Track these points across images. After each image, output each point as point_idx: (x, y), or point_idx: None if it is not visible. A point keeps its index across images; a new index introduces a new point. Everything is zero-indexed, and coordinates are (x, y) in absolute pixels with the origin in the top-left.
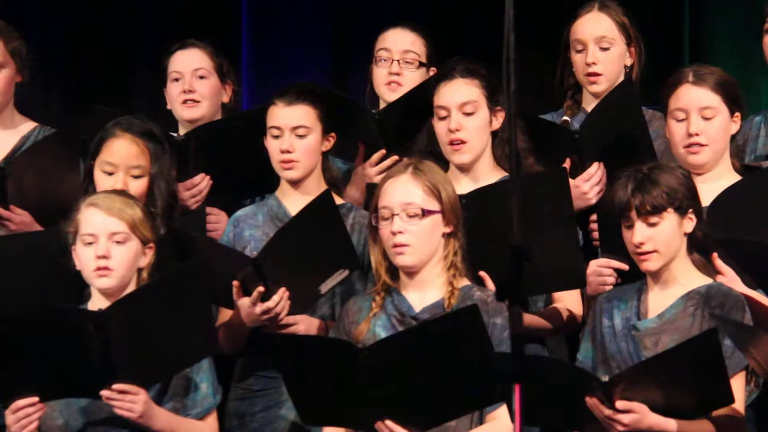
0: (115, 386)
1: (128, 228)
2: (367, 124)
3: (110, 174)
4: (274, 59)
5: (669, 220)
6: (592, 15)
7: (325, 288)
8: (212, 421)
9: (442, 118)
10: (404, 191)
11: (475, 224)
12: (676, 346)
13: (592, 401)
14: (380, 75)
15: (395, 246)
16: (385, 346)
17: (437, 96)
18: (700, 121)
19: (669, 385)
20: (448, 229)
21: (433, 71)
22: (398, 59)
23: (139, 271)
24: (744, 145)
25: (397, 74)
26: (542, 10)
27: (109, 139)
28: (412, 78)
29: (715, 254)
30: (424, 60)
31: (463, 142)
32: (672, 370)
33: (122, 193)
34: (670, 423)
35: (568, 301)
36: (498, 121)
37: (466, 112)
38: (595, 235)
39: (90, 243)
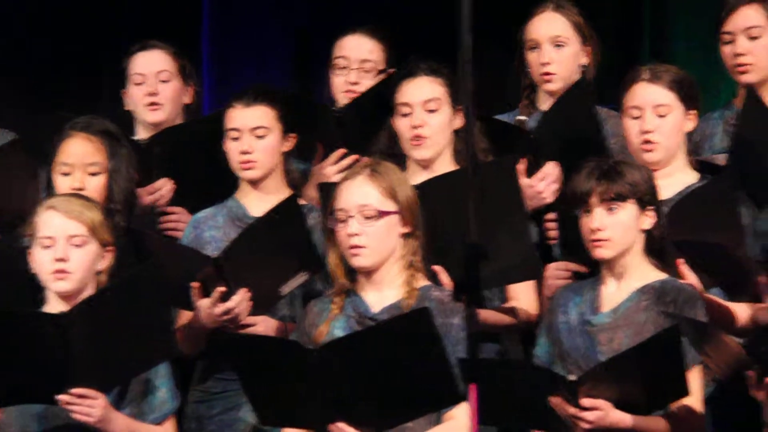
0: (74, 390)
1: (87, 231)
2: (327, 123)
3: (67, 174)
4: (235, 60)
5: (628, 210)
6: (546, 14)
7: (286, 289)
8: (170, 426)
9: (405, 115)
10: (360, 193)
11: (427, 214)
12: (639, 344)
13: (556, 400)
14: (338, 83)
15: (351, 247)
16: (336, 347)
17: (400, 93)
18: (655, 118)
19: (630, 381)
20: (405, 230)
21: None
22: (356, 68)
23: (98, 274)
24: (702, 142)
25: (356, 83)
26: (499, 11)
27: (64, 141)
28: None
29: (681, 260)
30: (382, 67)
31: (425, 138)
32: (635, 367)
33: (81, 195)
34: (627, 418)
35: (524, 299)
36: (460, 119)
37: (429, 109)
38: (551, 234)
39: (48, 246)
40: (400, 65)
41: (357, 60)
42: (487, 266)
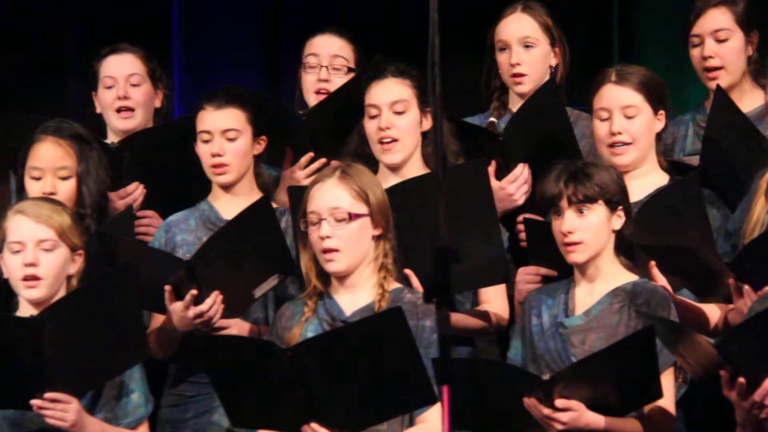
0: (47, 395)
1: (56, 235)
2: (295, 127)
3: (38, 179)
4: (205, 62)
5: (598, 212)
6: (515, 16)
7: (259, 292)
8: (144, 430)
9: (373, 117)
10: (331, 196)
11: (399, 218)
12: (614, 344)
13: (530, 401)
14: (309, 82)
15: (324, 251)
16: (309, 347)
17: (368, 95)
18: (623, 119)
19: (604, 382)
20: (377, 232)
21: None
22: (327, 65)
23: (69, 278)
24: (672, 144)
25: (326, 80)
26: (469, 12)
27: (35, 145)
28: (341, 84)
29: (652, 263)
30: (352, 65)
31: (393, 141)
32: (609, 368)
33: (50, 199)
34: (600, 419)
35: (495, 302)
36: (428, 122)
37: (396, 111)
38: (523, 236)
39: (17, 251)
40: (366, 66)
41: (327, 57)
42: (458, 269)
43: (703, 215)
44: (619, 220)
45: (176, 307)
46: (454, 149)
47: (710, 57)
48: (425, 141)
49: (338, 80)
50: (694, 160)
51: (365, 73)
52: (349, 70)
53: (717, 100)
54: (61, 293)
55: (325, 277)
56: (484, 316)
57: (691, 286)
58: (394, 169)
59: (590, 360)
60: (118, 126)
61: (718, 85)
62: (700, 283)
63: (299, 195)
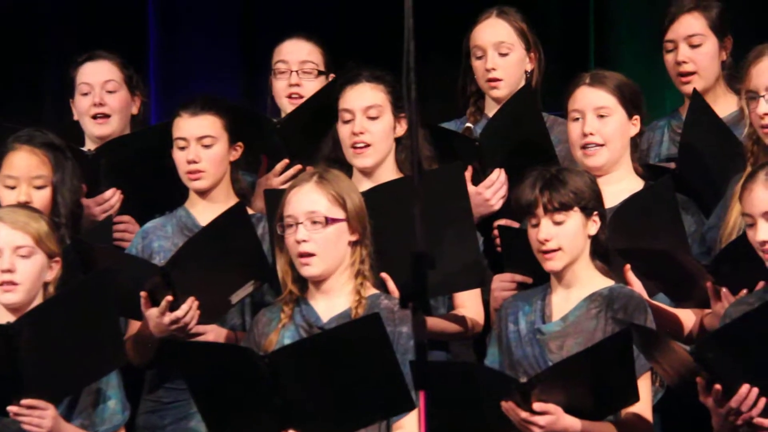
0: (24, 401)
1: (33, 241)
2: (269, 135)
3: (12, 188)
4: (181, 70)
5: (574, 219)
6: (490, 21)
7: (235, 298)
8: None
9: (347, 122)
10: (308, 200)
11: (374, 222)
12: (591, 347)
13: (508, 405)
14: (280, 87)
15: (300, 255)
16: (286, 353)
17: (342, 99)
18: (595, 120)
19: (581, 386)
20: (354, 237)
21: (332, 77)
22: (296, 70)
23: (45, 285)
24: (648, 150)
25: (297, 85)
26: (444, 18)
27: (9, 154)
28: (312, 87)
29: (627, 266)
30: (322, 68)
31: (367, 145)
32: (586, 371)
33: (27, 206)
34: (577, 423)
35: (470, 307)
36: (402, 127)
37: (370, 116)
38: (499, 241)
39: None
40: (340, 71)
41: (296, 62)
42: (434, 274)
43: (677, 219)
44: (594, 226)
45: (152, 313)
46: (427, 155)
47: (684, 62)
48: (399, 147)
49: (309, 84)
50: (671, 165)
51: (339, 79)
52: (319, 73)
53: (694, 104)
54: (38, 300)
55: (301, 282)
56: (460, 320)
57: (667, 291)
58: (367, 173)
59: (568, 363)
60: (94, 132)
61: (694, 90)
62: (676, 287)
63: (276, 199)
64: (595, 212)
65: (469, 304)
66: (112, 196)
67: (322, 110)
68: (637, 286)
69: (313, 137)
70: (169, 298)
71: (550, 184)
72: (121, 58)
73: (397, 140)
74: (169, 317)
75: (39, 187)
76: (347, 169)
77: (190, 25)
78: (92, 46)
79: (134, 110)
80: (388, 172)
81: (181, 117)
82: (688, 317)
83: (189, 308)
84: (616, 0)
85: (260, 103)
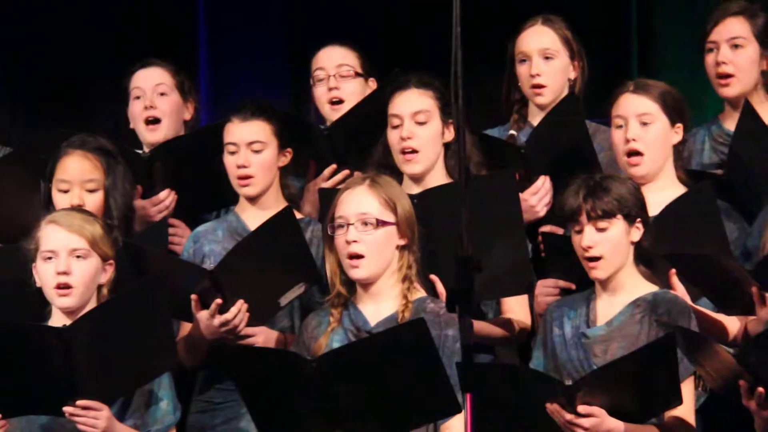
0: (79, 402)
1: (88, 244)
2: (317, 141)
3: (66, 192)
4: (231, 78)
5: (617, 226)
6: (535, 28)
7: (284, 301)
8: None
9: (395, 127)
10: (360, 202)
11: (425, 224)
12: (636, 351)
13: (553, 407)
14: (321, 94)
15: (350, 257)
16: (333, 358)
17: (391, 105)
18: (638, 127)
19: (625, 389)
20: (402, 242)
21: (372, 81)
22: (333, 74)
23: (99, 288)
24: (689, 158)
25: (336, 88)
26: (488, 26)
27: (62, 158)
28: (351, 89)
29: (672, 271)
30: (359, 70)
31: (414, 152)
32: (630, 374)
33: (82, 210)
34: (621, 426)
35: (518, 311)
36: (451, 133)
37: (418, 121)
38: (543, 247)
39: (50, 258)
40: (387, 77)
41: (333, 67)
42: (483, 277)
43: (718, 224)
44: (637, 232)
45: (202, 316)
46: (477, 161)
47: (723, 63)
48: (448, 152)
49: (347, 86)
50: (718, 172)
51: (386, 86)
52: (357, 74)
53: (745, 112)
54: (92, 302)
55: (350, 284)
56: (507, 324)
57: (712, 296)
58: (417, 179)
59: (612, 366)
60: (146, 139)
61: (746, 100)
62: (720, 293)
63: (329, 198)
64: (638, 219)
65: (516, 308)
66: (167, 197)
67: (369, 117)
68: (681, 290)
69: (360, 143)
70: (219, 301)
71: (593, 191)
72: (172, 64)
73: (447, 146)
74: (218, 320)
75: (91, 191)
76: (398, 175)
77: (239, 34)
78: (145, 54)
79: (187, 116)
80: (438, 178)
81: (232, 122)
82: (732, 323)
83: (238, 311)
84: (658, 8)
85: (306, 110)
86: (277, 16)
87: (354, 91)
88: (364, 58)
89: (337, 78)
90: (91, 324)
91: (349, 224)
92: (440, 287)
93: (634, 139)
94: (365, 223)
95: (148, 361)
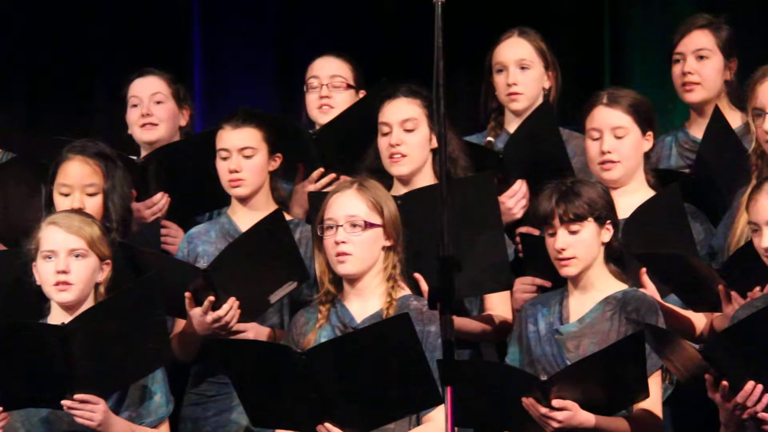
0: (77, 396)
1: (86, 245)
2: (306, 144)
3: (67, 195)
4: (224, 86)
5: (588, 228)
6: (512, 40)
7: (274, 298)
8: (165, 429)
9: (385, 134)
10: (349, 205)
11: (409, 224)
12: (606, 348)
13: (528, 401)
14: (312, 100)
15: (338, 255)
16: (322, 351)
17: (381, 113)
18: (613, 139)
19: (596, 383)
20: (388, 243)
21: (362, 93)
22: (326, 84)
23: (97, 286)
24: (657, 163)
25: (327, 97)
26: (466, 38)
27: (64, 163)
28: (342, 99)
29: (643, 270)
30: (351, 82)
31: (403, 156)
32: (601, 370)
33: (80, 212)
34: (592, 418)
35: (500, 308)
36: None
37: (407, 128)
38: (520, 247)
39: (50, 257)
40: (372, 85)
41: (326, 77)
42: (464, 276)
43: (685, 225)
44: (607, 233)
45: (195, 313)
46: (464, 165)
47: (689, 73)
48: (436, 157)
49: (338, 96)
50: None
51: (373, 95)
52: (348, 86)
53: (714, 117)
54: (90, 299)
55: (337, 282)
56: (488, 320)
57: (681, 294)
58: (405, 182)
59: (585, 362)
60: (142, 138)
61: (716, 106)
62: (689, 291)
63: (319, 201)
64: (608, 221)
65: (499, 306)
66: (161, 200)
67: (356, 123)
68: (651, 288)
69: (347, 148)
70: (212, 298)
71: (565, 196)
72: (169, 73)
73: (434, 151)
74: (211, 316)
75: (91, 194)
76: (389, 179)
77: (232, 45)
78: (142, 62)
79: (182, 122)
80: (426, 181)
81: (224, 129)
82: (699, 319)
83: (230, 308)
84: (629, 20)
85: (296, 115)
86: (268, 27)
87: (344, 101)
88: (357, 71)
89: (330, 88)
90: (89, 321)
91: (338, 226)
92: (424, 285)
93: (609, 151)
94: (353, 225)
95: (143, 357)
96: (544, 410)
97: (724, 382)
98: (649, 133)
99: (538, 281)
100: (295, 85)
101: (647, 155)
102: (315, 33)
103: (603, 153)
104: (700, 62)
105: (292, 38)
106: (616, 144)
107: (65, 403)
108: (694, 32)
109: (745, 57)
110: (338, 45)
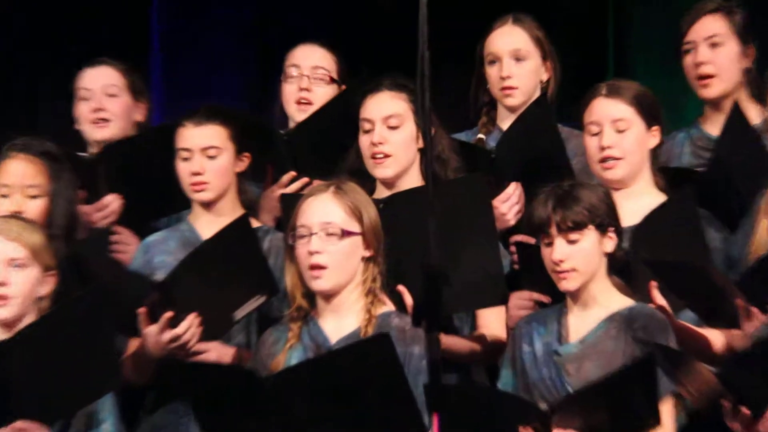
0: (16, 424)
1: (28, 253)
2: (275, 145)
3: (5, 197)
4: (186, 78)
5: (589, 237)
6: (506, 28)
7: (240, 314)
8: None
9: (367, 132)
10: (324, 210)
11: (391, 231)
12: (614, 373)
13: (526, 431)
14: (290, 92)
15: (312, 268)
16: (292, 374)
17: (363, 109)
18: (613, 133)
19: (602, 411)
20: (368, 253)
21: (344, 88)
22: (308, 75)
23: (39, 299)
24: (668, 163)
25: (307, 90)
26: (457, 26)
27: (4, 161)
28: (323, 94)
29: (653, 283)
30: (334, 76)
31: (386, 156)
32: (609, 397)
33: (20, 217)
34: None
35: (494, 326)
36: None
37: (390, 125)
38: (515, 258)
39: None
40: (354, 82)
41: (308, 67)
42: (453, 290)
43: (699, 233)
44: (610, 242)
45: (151, 331)
46: (455, 166)
47: (703, 63)
48: (423, 158)
49: (319, 90)
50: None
51: (353, 89)
52: (332, 80)
53: (733, 114)
54: (31, 315)
55: (311, 297)
56: (480, 339)
57: (695, 308)
58: (390, 184)
59: (590, 389)
60: (93, 136)
61: (735, 101)
62: (704, 305)
63: (291, 205)
64: (611, 228)
65: (494, 323)
66: (112, 202)
67: (332, 122)
68: (661, 302)
69: (322, 149)
70: (169, 314)
71: (562, 201)
72: (123, 63)
73: (422, 151)
74: (168, 335)
75: (33, 197)
76: (371, 181)
77: (194, 33)
78: (93, 52)
79: (139, 117)
80: (412, 184)
81: (185, 127)
82: (716, 338)
83: (189, 325)
84: (635, 8)
85: (266, 111)
86: (243, 15)
87: (325, 96)
88: (342, 64)
89: (311, 79)
90: (30, 339)
91: (311, 234)
92: (408, 299)
93: (609, 147)
94: (329, 233)
95: (91, 381)
96: None
97: (745, 410)
98: (656, 127)
99: (536, 296)
100: (266, 76)
101: (655, 154)
102: (291, 19)
103: (603, 149)
104: (714, 50)
105: (265, 26)
106: (618, 138)
107: (2, 430)
108: (705, 18)
109: (764, 44)
110: (317, 32)
